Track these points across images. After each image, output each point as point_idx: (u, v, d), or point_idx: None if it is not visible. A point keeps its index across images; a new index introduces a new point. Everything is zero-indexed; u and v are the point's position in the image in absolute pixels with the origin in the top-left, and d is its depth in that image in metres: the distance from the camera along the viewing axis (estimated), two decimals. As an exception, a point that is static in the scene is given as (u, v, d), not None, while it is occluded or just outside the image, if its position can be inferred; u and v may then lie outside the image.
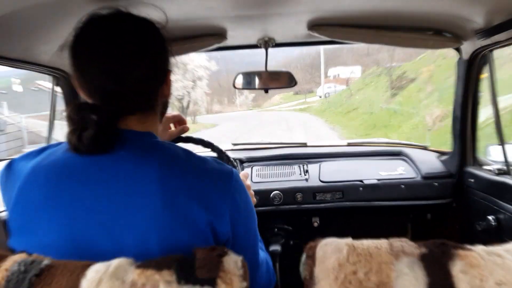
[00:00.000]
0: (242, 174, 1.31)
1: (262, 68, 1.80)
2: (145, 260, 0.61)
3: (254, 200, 1.25)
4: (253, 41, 1.73)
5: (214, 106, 52.68)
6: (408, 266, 0.60)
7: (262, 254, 1.02)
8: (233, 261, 0.61)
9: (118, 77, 0.74)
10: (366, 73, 30.12)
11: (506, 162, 1.62)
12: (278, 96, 57.84)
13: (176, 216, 0.71)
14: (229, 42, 1.65)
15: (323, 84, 41.55)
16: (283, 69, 1.84)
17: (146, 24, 0.80)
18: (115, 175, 0.71)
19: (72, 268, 0.60)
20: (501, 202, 1.57)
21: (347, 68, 47.15)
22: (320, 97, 40.07)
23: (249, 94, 47.93)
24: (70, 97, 1.58)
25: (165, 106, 0.91)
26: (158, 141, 0.81)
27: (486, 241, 0.67)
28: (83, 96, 0.78)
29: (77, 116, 0.72)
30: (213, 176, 0.78)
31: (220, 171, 0.80)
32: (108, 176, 0.71)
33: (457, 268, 0.59)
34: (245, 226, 0.85)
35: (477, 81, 1.75)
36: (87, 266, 0.59)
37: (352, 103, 25.34)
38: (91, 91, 0.76)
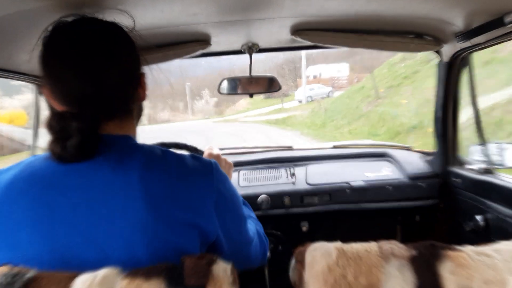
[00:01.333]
0: (208, 148, 1.35)
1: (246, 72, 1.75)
2: (133, 269, 0.60)
3: (230, 163, 1.35)
4: (237, 46, 1.73)
5: (162, 114, 41.76)
6: (397, 268, 0.61)
7: (252, 226, 1.03)
8: (222, 269, 0.61)
9: (94, 81, 0.74)
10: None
11: (489, 161, 1.65)
12: (244, 101, 41.69)
13: (161, 219, 0.71)
14: (213, 48, 1.65)
15: (305, 85, 32.29)
16: (268, 74, 1.84)
17: (115, 28, 0.80)
18: (95, 182, 0.71)
19: (58, 279, 0.60)
20: (488, 202, 1.59)
21: (330, 67, 39.24)
22: (300, 102, 31.27)
23: (210, 99, 40.32)
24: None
25: (140, 109, 0.90)
26: (137, 144, 0.81)
27: (475, 241, 0.68)
28: (56, 106, 0.77)
29: (59, 124, 0.71)
30: (195, 173, 0.79)
31: (200, 166, 0.81)
32: (88, 183, 0.71)
33: (445, 269, 0.60)
34: (232, 212, 0.87)
35: (457, 83, 1.78)
36: (73, 277, 0.59)
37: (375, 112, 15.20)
38: (67, 99, 0.75)
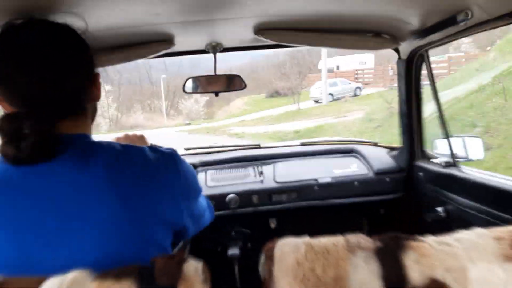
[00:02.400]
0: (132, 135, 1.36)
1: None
2: (103, 271, 0.59)
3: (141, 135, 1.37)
4: (201, 46, 1.73)
5: (134, 117, 31.23)
6: (363, 260, 0.63)
7: (202, 198, 1.05)
8: (193, 268, 0.61)
9: (45, 82, 0.73)
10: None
11: (451, 154, 1.72)
12: (240, 100, 31.73)
13: (133, 215, 0.71)
14: (177, 47, 1.64)
15: (325, 81, 22.34)
16: (233, 73, 1.85)
17: (65, 30, 0.80)
18: (59, 183, 0.70)
19: (25, 284, 0.59)
20: (449, 193, 1.65)
21: (350, 58, 30.03)
22: (318, 102, 22.73)
23: (200, 97, 29.12)
24: None
25: (94, 109, 0.90)
26: (96, 141, 0.80)
27: (436, 232, 0.71)
28: (7, 109, 0.76)
29: (12, 125, 0.69)
30: (159, 166, 0.80)
31: (162, 157, 0.82)
32: (51, 184, 0.70)
33: (409, 259, 0.62)
34: (194, 193, 0.91)
35: (417, 79, 1.85)
36: (40, 281, 0.57)
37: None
38: (19, 100, 0.74)
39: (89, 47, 0.82)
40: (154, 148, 0.83)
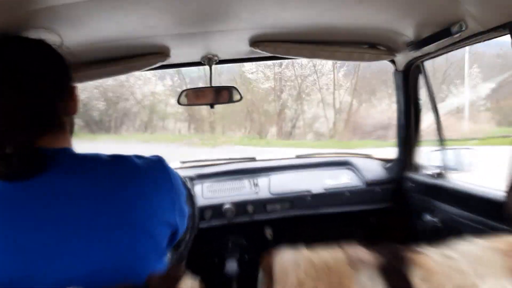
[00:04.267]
0: None
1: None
2: None
3: None
4: (196, 58, 1.73)
5: None
6: (369, 278, 0.60)
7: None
8: (189, 286, 0.60)
9: (20, 101, 0.72)
10: None
11: (443, 166, 1.73)
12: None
13: (131, 227, 0.71)
14: (172, 60, 1.64)
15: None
16: (228, 85, 1.86)
17: (39, 45, 0.80)
18: (52, 195, 0.69)
19: None
20: (438, 203, 1.66)
21: None
22: None
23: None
24: None
25: (72, 123, 0.89)
26: (81, 154, 0.79)
27: (428, 240, 0.69)
28: None
29: None
30: (149, 169, 0.79)
31: (151, 161, 0.82)
32: (47, 199, 0.69)
33: (416, 277, 0.60)
34: (182, 193, 0.90)
35: (415, 90, 1.86)
36: None
37: None
38: None
39: (65, 60, 0.82)
40: (139, 156, 0.83)
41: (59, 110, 0.79)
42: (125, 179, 0.75)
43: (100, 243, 0.68)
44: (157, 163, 0.83)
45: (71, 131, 0.87)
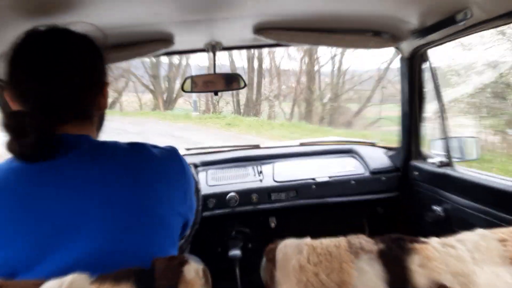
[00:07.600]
0: None
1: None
2: (101, 274, 0.59)
3: None
4: (200, 45, 1.73)
5: None
6: (368, 263, 0.61)
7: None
8: (193, 270, 0.60)
9: (54, 89, 0.75)
10: None
11: (447, 154, 1.72)
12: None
13: (147, 215, 0.73)
14: (176, 47, 1.64)
15: None
16: (232, 72, 1.85)
17: (82, 39, 0.82)
18: (69, 179, 0.71)
19: (22, 287, 0.58)
20: (445, 193, 1.65)
21: None
22: None
23: None
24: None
25: (101, 119, 0.92)
26: (100, 141, 0.82)
27: (436, 231, 0.69)
28: (14, 107, 0.78)
29: (15, 123, 0.71)
30: (165, 159, 0.82)
31: (166, 151, 0.84)
32: (65, 182, 0.71)
33: (414, 263, 0.60)
34: (193, 184, 0.93)
35: (420, 78, 1.84)
36: (38, 285, 0.56)
37: None
38: (24, 100, 0.76)
39: (103, 56, 0.85)
40: (155, 145, 0.85)
41: (87, 102, 0.82)
42: (143, 167, 0.77)
43: (115, 228, 0.69)
44: (173, 153, 0.85)
45: (99, 126, 0.91)
